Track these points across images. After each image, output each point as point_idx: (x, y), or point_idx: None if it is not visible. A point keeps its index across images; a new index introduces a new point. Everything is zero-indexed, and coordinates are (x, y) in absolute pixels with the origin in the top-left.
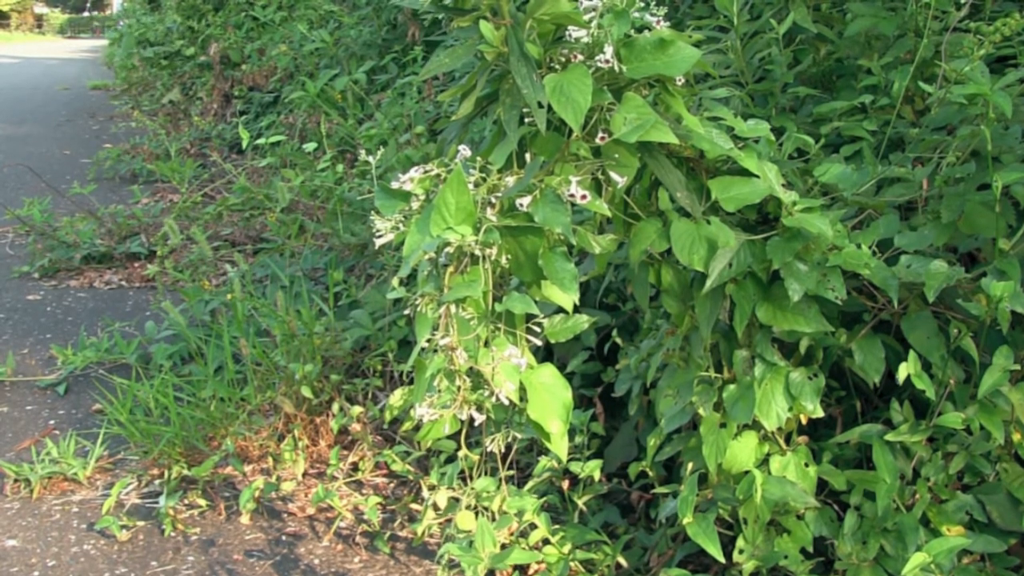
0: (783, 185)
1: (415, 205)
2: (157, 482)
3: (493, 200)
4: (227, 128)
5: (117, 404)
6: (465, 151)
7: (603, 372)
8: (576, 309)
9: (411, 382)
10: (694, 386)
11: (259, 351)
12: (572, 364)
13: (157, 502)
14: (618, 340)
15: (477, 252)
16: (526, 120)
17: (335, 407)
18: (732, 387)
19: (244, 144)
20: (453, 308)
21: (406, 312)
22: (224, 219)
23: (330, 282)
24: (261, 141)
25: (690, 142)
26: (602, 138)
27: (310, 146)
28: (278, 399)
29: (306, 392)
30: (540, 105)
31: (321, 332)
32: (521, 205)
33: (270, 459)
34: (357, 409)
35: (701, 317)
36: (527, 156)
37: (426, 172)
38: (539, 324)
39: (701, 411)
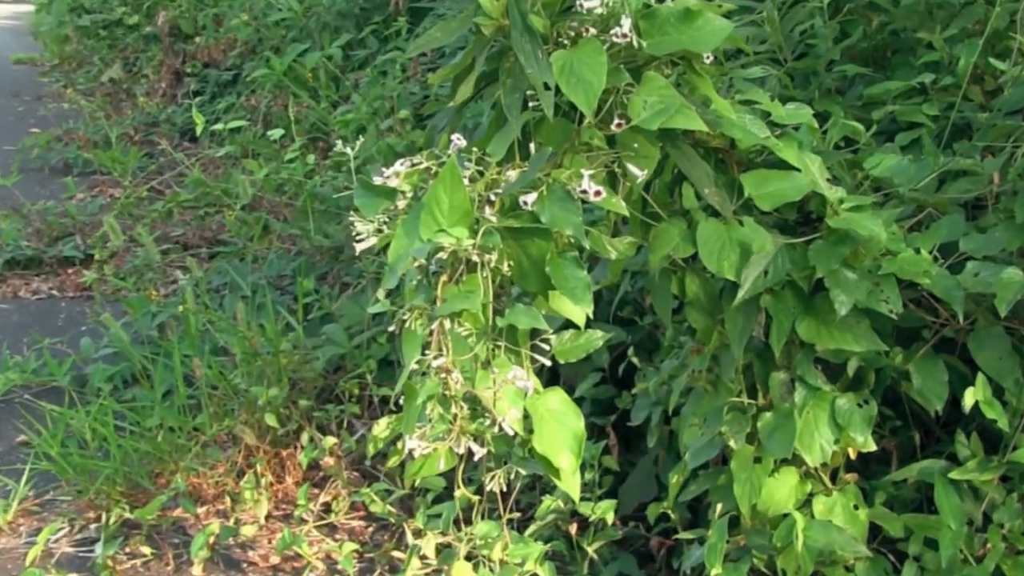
0: (828, 180)
1: (401, 204)
2: (93, 527)
3: (492, 197)
4: (178, 111)
5: (46, 435)
6: (459, 141)
7: (617, 397)
8: (587, 324)
9: (395, 409)
10: (724, 414)
11: (215, 372)
12: (581, 388)
13: (92, 551)
14: (635, 360)
15: (475, 258)
16: (530, 104)
17: (304, 438)
18: (768, 415)
19: (198, 130)
20: (447, 323)
21: (390, 328)
22: (175, 218)
23: (299, 292)
24: (218, 127)
25: (720, 130)
26: (618, 125)
27: (276, 133)
28: (237, 428)
29: (270, 420)
30: (546, 87)
31: (288, 350)
32: (525, 203)
33: (227, 499)
34: (330, 440)
35: (732, 333)
36: (531, 146)
37: (414, 165)
38: (546, 341)
39: (732, 443)
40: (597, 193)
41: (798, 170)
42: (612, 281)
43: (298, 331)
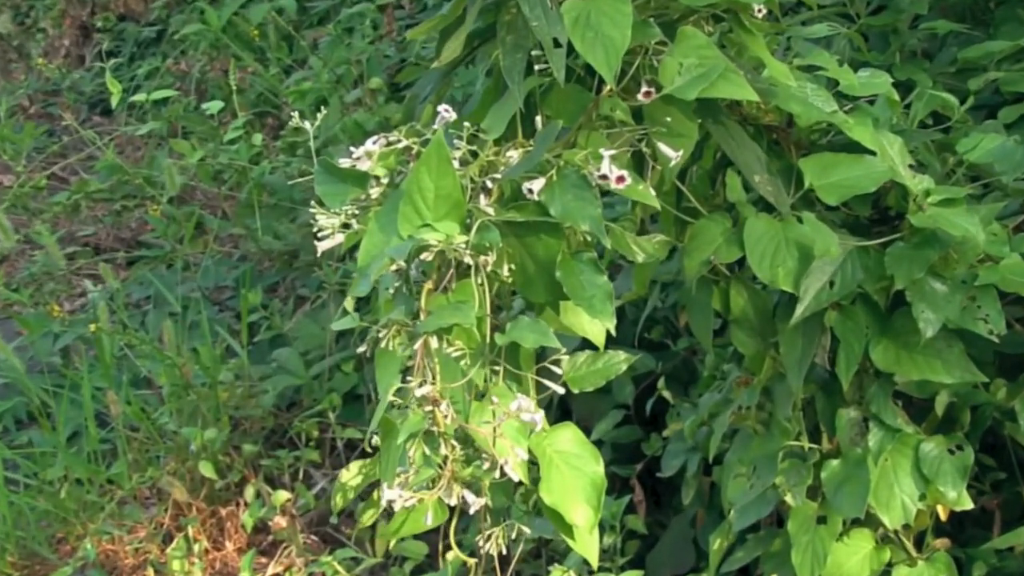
0: (911, 166)
1: (374, 192)
2: None
3: (489, 184)
4: (86, 77)
5: None
6: (447, 113)
7: (644, 441)
8: (607, 345)
9: (369, 452)
10: (778, 462)
11: (135, 409)
12: (599, 429)
13: None
14: (666, 394)
15: (467, 260)
16: (536, 68)
17: (249, 492)
18: (835, 464)
19: (113, 102)
20: (433, 342)
21: (359, 351)
22: (83, 213)
23: (242, 307)
24: (139, 98)
25: (774, 102)
26: (646, 94)
27: (213, 106)
28: (164, 481)
29: (206, 470)
30: (557, 44)
31: (229, 381)
32: (530, 191)
33: (150, 571)
34: (282, 495)
35: (788, 360)
36: (537, 120)
37: (390, 144)
38: (556, 364)
39: (789, 499)
40: (620, 179)
41: (873, 154)
42: (638, 294)
43: (241, 357)
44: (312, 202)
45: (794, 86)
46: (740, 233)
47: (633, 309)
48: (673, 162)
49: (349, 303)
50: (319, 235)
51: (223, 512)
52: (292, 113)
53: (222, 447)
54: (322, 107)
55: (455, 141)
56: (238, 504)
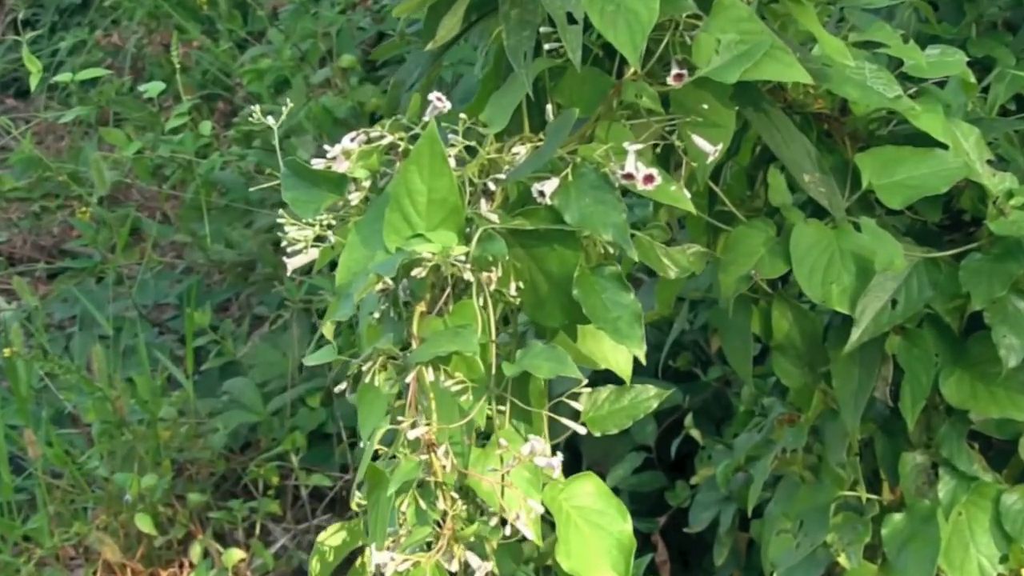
0: (989, 162)
1: (354, 198)
2: None
3: (492, 187)
4: None
5: None
6: (440, 103)
7: (668, 489)
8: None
9: (335, 504)
10: (830, 515)
11: (58, 451)
12: (615, 475)
13: None
14: (695, 433)
15: (468, 276)
16: (546, 47)
17: (195, 551)
18: (898, 517)
19: (31, 83)
20: (428, 375)
21: (337, 388)
22: None
23: (187, 329)
24: (62, 78)
25: (827, 85)
26: (678, 76)
27: (152, 88)
28: (93, 537)
29: (144, 525)
30: (571, 19)
31: (172, 418)
32: (540, 194)
33: None
34: (235, 555)
35: (842, 394)
36: (548, 110)
37: (371, 140)
38: (574, 398)
39: (843, 560)
40: (648, 179)
41: (945, 147)
42: (661, 315)
43: (186, 389)
44: (280, 210)
45: (851, 66)
46: (785, 243)
47: (656, 333)
48: (711, 158)
49: (327, 329)
50: (288, 250)
51: (164, 575)
52: (247, 97)
53: (163, 496)
54: (283, 91)
55: (450, 136)
56: (182, 565)
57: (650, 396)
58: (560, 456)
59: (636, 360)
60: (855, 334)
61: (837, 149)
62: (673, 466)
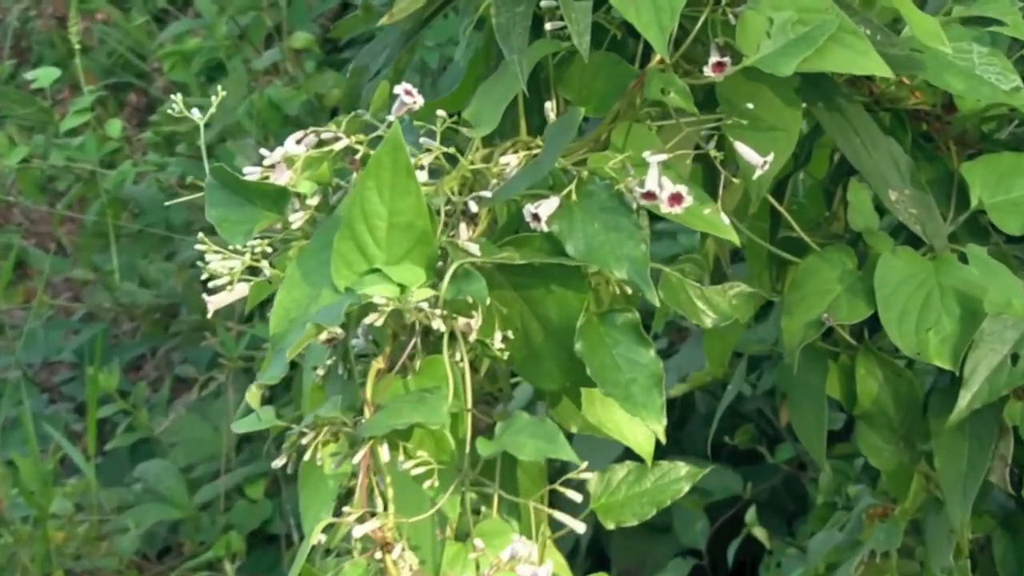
0: None
1: (297, 219)
2: None
3: (474, 207)
4: None
5: None
6: (410, 97)
7: None
8: (661, 454)
9: None
10: None
11: None
12: None
13: None
14: (759, 533)
15: (439, 324)
16: (547, 27)
17: None
18: None
19: None
20: (385, 452)
21: (275, 464)
22: None
23: (88, 396)
24: None
25: (921, 75)
26: (719, 66)
27: (43, 76)
28: None
29: None
30: None
31: (67, 514)
32: (536, 218)
33: None
34: None
35: (948, 479)
36: (549, 108)
37: (322, 143)
38: (574, 483)
39: None
40: (675, 199)
41: None
42: (712, 376)
43: (87, 475)
44: (200, 233)
45: (950, 52)
46: (869, 278)
47: (707, 398)
48: (760, 171)
49: (252, 397)
50: (210, 285)
51: None
52: (169, 88)
53: None
54: (216, 78)
55: (422, 140)
56: None
57: (680, 477)
58: (551, 565)
59: (681, 430)
60: (964, 399)
61: (938, 158)
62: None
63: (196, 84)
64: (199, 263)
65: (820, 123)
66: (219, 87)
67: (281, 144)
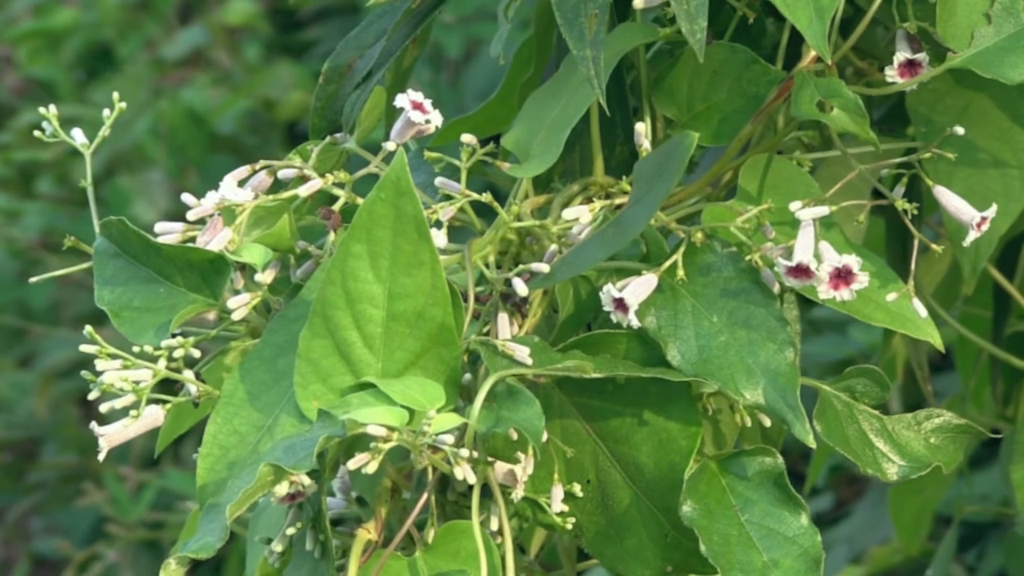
0: None
1: (241, 304)
2: None
3: (520, 288)
4: None
5: None
6: (419, 114)
7: None
8: None
9: None
10: None
11: None
12: None
13: None
14: None
15: (465, 473)
16: (637, 3)
17: None
18: None
19: None
20: None
21: None
22: None
23: None
24: None
25: None
26: (907, 67)
27: None
28: None
29: None
30: None
31: None
32: (620, 306)
33: None
34: None
35: None
36: (641, 133)
37: (279, 183)
38: None
39: None
40: (843, 277)
41: None
42: (905, 555)
43: None
44: (87, 326)
45: None
46: None
47: None
48: (974, 233)
49: None
50: (102, 409)
51: None
52: (27, 88)
53: None
54: (103, 72)
55: (439, 181)
56: None
57: None
58: None
59: None
60: None
61: None
62: None
63: (69, 83)
64: (83, 373)
65: None
66: (112, 90)
67: (212, 184)
